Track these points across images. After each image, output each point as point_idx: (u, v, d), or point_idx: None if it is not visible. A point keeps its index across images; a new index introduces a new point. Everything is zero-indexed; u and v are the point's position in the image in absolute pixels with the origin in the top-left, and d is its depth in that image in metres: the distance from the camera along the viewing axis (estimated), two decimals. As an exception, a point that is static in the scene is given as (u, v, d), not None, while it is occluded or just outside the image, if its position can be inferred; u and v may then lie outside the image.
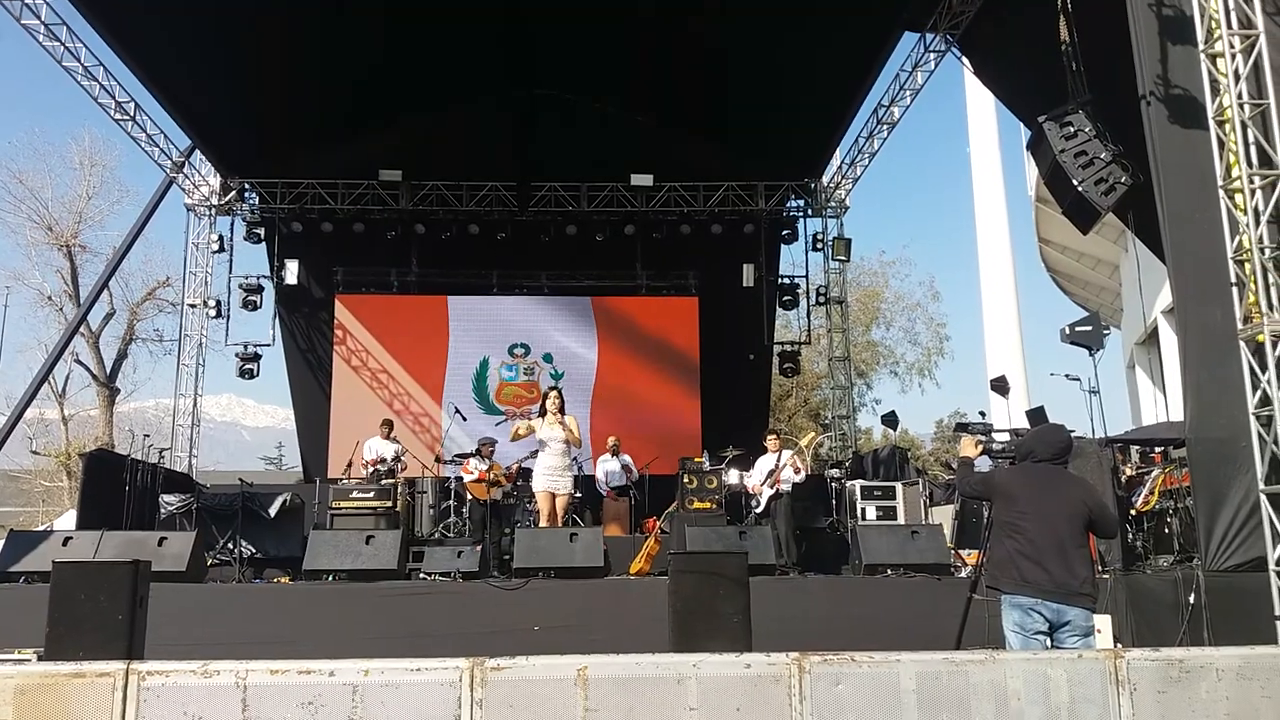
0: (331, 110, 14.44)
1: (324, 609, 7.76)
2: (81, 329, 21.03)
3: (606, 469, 12.89)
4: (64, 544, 8.30)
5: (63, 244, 24.89)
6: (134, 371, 28.05)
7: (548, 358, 16.08)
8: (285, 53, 12.76)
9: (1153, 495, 8.20)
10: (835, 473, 12.86)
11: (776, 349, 17.16)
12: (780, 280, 16.67)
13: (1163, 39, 7.20)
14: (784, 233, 16.54)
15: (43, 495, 26.78)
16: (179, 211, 16.06)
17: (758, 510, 10.77)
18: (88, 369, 24.69)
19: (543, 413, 9.42)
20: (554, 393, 9.49)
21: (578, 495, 10.55)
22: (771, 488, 10.61)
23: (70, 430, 26.09)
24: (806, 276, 16.81)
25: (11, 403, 14.69)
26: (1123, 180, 7.60)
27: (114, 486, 11.10)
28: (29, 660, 5.50)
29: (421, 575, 8.56)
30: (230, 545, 10.93)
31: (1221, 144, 6.63)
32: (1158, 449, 8.87)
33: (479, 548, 8.84)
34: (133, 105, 13.70)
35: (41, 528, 15.70)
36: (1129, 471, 8.90)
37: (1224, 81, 6.59)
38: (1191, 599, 6.54)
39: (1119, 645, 6.53)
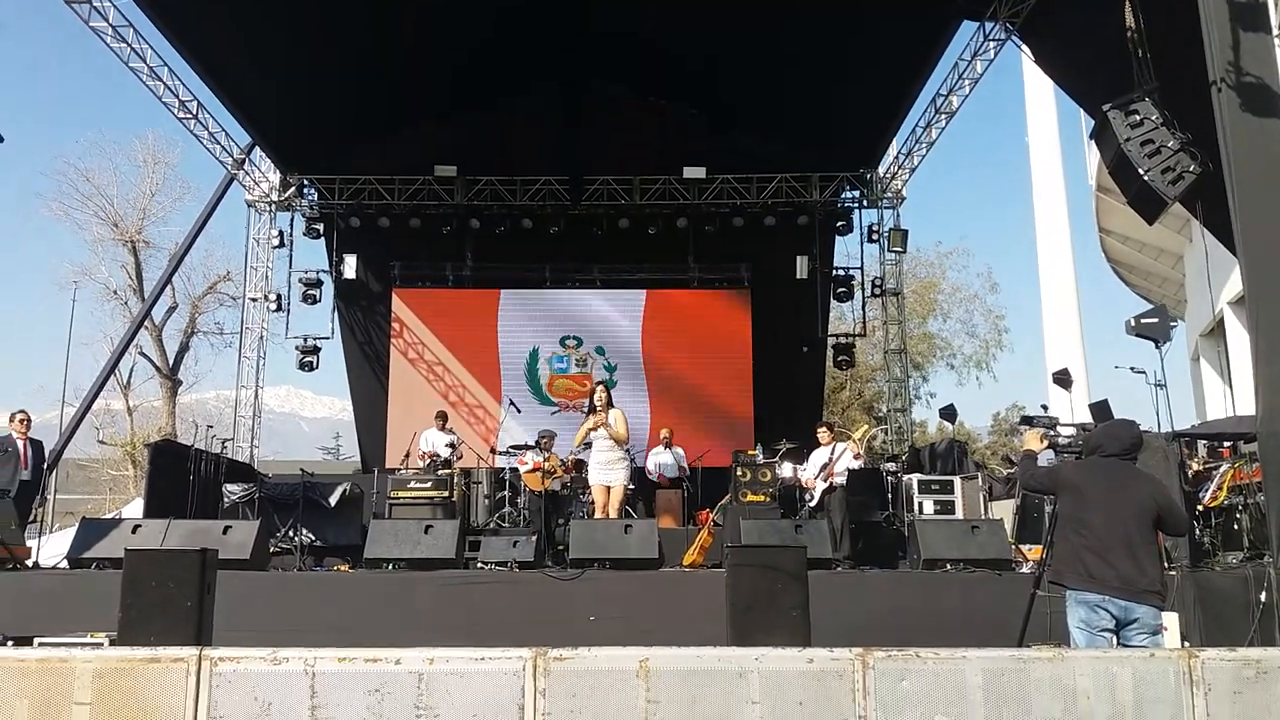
0: (387, 107, 14.60)
1: (384, 596, 7.87)
2: (145, 322, 21.53)
3: (659, 461, 12.90)
4: (133, 531, 8.51)
5: (128, 240, 25.57)
6: (195, 364, 28.69)
7: (600, 350, 16.13)
8: (343, 51, 12.93)
9: (1221, 490, 8.01)
10: (891, 466, 12.71)
11: (830, 341, 17.02)
12: (835, 272, 16.50)
13: (1234, 24, 6.98)
14: (839, 224, 16.37)
15: (109, 484, 27.48)
16: (240, 207, 16.40)
17: (811, 504, 10.70)
18: (151, 361, 25.32)
19: (592, 408, 9.48)
20: (600, 387, 9.56)
21: (631, 487, 10.57)
22: (825, 480, 10.54)
23: (135, 421, 26.77)
24: (861, 268, 16.67)
25: (80, 394, 15.04)
26: (1191, 169, 7.40)
27: (179, 476, 11.31)
28: (102, 644, 5.65)
29: (479, 564, 8.64)
30: (291, 533, 11.08)
31: (1296, 131, 6.44)
32: (1226, 444, 8.67)
33: (534, 538, 8.90)
34: (195, 104, 13.98)
35: (110, 515, 16.10)
36: (1196, 466, 8.70)
37: (1299, 67, 6.41)
38: (1263, 597, 6.39)
39: (1187, 644, 6.39)
